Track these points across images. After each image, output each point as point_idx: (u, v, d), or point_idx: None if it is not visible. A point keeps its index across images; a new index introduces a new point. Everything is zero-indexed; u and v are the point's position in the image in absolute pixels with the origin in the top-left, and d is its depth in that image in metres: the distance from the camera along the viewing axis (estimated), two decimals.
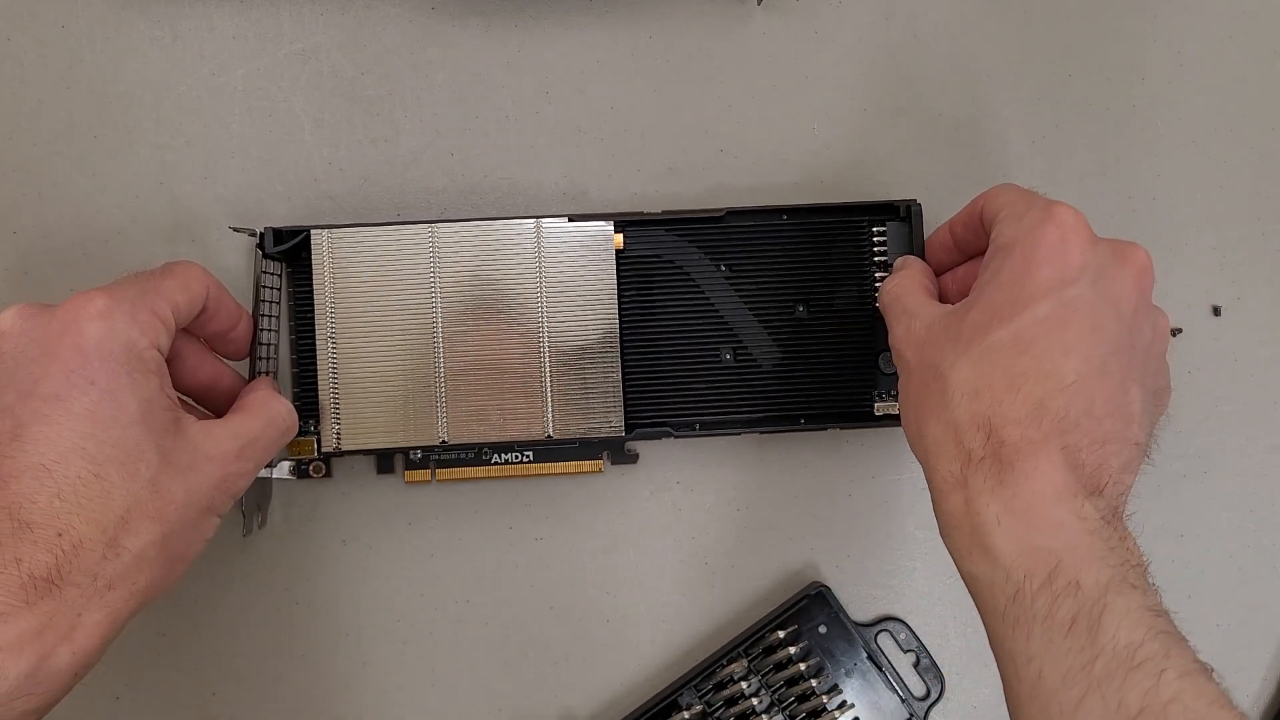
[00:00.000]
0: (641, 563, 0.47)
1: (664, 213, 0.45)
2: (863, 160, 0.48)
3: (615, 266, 0.44)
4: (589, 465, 0.46)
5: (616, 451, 0.46)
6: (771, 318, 0.45)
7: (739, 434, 0.46)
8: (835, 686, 0.46)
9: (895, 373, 0.45)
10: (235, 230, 0.43)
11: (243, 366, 0.43)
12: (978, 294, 0.36)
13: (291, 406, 0.41)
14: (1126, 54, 0.49)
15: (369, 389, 0.44)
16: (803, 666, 0.45)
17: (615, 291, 0.44)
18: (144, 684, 0.46)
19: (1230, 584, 0.49)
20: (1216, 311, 0.49)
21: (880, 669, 0.46)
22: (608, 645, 0.47)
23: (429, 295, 0.44)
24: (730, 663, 0.45)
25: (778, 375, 0.45)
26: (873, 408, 0.45)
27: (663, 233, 0.45)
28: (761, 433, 0.46)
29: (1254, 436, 0.49)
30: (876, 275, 0.45)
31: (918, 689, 0.47)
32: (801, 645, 0.46)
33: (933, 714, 0.47)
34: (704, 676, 0.46)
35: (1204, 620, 0.48)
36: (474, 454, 0.45)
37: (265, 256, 0.44)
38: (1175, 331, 0.49)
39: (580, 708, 0.47)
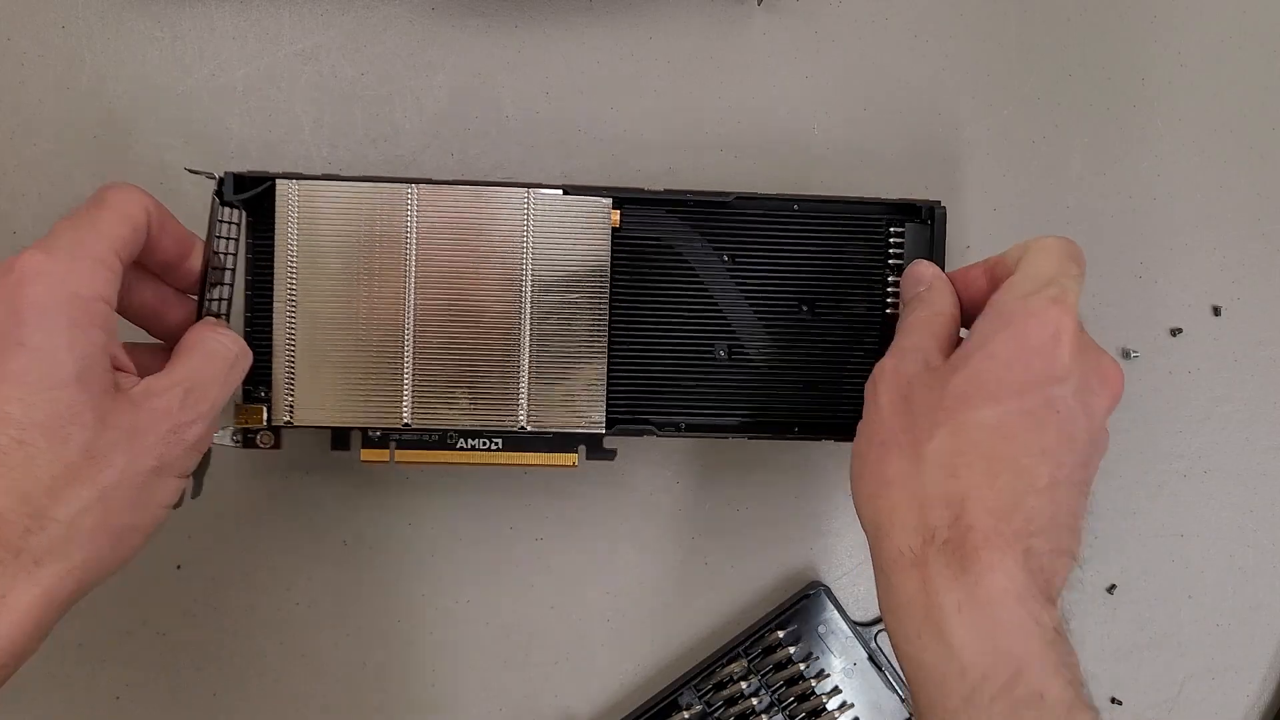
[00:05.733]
0: (641, 563, 0.47)
1: (667, 191, 0.42)
2: (863, 160, 0.48)
3: (610, 245, 0.41)
4: (562, 458, 0.42)
5: (594, 447, 0.42)
6: (773, 316, 0.43)
7: (726, 438, 0.43)
8: (835, 687, 0.46)
9: None
10: (192, 172, 0.39)
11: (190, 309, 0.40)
12: (965, 358, 0.34)
13: (237, 337, 0.37)
14: (1127, 54, 0.49)
15: (328, 359, 0.40)
16: (802, 666, 0.45)
17: (608, 272, 0.41)
18: (144, 684, 0.46)
19: (1230, 584, 0.49)
20: (1216, 311, 0.49)
21: (880, 669, 0.46)
22: (608, 645, 0.47)
23: (402, 262, 0.40)
24: (730, 662, 0.46)
25: (774, 377, 0.43)
26: None
27: (664, 214, 0.42)
28: (750, 438, 0.43)
29: (1254, 436, 0.49)
30: (890, 280, 0.42)
31: None
32: (801, 645, 0.46)
33: None
34: (704, 676, 0.46)
35: (1204, 620, 0.48)
36: (438, 437, 0.42)
37: (223, 204, 0.39)
38: (1175, 331, 0.49)
39: (580, 708, 0.47)
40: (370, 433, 0.42)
